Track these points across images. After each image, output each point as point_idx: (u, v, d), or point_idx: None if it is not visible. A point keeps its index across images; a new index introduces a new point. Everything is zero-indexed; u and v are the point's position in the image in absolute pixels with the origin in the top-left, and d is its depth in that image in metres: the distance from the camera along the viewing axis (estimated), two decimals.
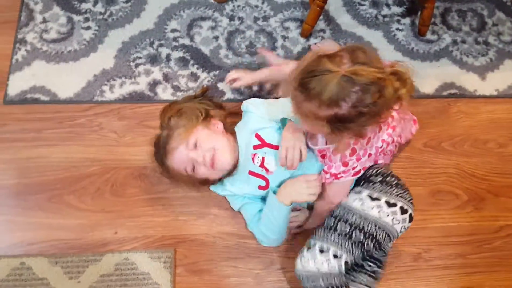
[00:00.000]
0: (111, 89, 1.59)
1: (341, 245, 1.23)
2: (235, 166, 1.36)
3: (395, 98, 1.03)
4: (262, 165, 1.35)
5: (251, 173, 1.36)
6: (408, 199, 1.29)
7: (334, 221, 1.25)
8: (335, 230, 1.24)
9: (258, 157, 1.35)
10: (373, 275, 1.32)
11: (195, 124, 1.33)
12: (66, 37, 1.67)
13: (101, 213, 1.43)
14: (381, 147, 1.31)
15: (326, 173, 1.30)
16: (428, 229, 1.48)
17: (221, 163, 1.32)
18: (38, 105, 1.56)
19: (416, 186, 1.53)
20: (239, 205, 1.42)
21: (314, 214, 1.39)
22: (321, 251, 1.23)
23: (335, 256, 1.22)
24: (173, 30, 1.70)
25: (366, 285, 1.30)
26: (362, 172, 1.30)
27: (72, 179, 1.47)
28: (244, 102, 1.45)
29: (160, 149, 1.35)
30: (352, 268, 1.31)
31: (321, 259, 1.22)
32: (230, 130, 1.40)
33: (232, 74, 1.52)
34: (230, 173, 1.37)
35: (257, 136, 1.36)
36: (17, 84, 1.58)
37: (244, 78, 1.51)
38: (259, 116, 1.39)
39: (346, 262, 1.23)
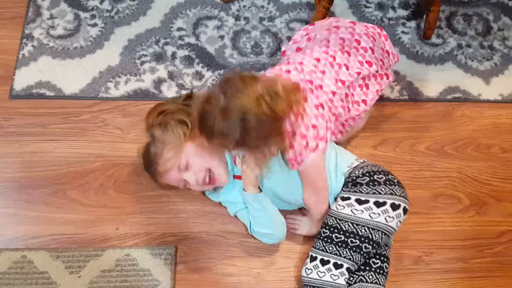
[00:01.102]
0: (116, 86, 1.60)
1: (340, 255, 1.24)
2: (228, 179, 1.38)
3: (274, 114, 1.09)
4: None
5: (236, 177, 1.37)
6: (399, 193, 1.29)
7: (329, 232, 1.27)
8: (332, 240, 1.26)
9: (239, 156, 1.32)
10: (380, 271, 1.32)
11: (182, 143, 1.30)
12: (72, 34, 1.68)
13: (103, 208, 1.44)
14: (323, 107, 1.25)
15: (291, 163, 1.25)
16: (429, 232, 1.48)
17: (219, 182, 1.34)
18: (44, 100, 1.57)
19: (418, 189, 1.53)
20: (233, 212, 1.43)
21: (311, 217, 1.39)
22: (322, 262, 1.25)
23: (336, 265, 1.24)
24: (179, 29, 1.71)
25: (376, 283, 1.30)
26: (321, 142, 1.23)
27: (76, 174, 1.48)
28: None
29: (151, 167, 1.34)
30: (358, 269, 1.31)
31: (323, 270, 1.25)
32: None
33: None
34: None
35: None
36: (23, 79, 1.59)
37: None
38: None
39: (348, 268, 1.25)
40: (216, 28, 1.72)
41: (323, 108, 1.25)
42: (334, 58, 1.31)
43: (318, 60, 1.30)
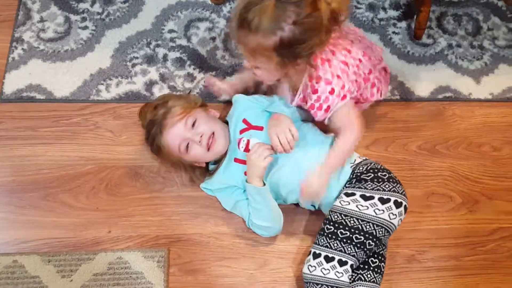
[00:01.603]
0: (107, 88, 1.60)
1: (345, 251, 1.24)
2: (224, 154, 1.39)
3: (330, 13, 1.08)
4: (246, 149, 1.36)
5: (236, 160, 1.37)
6: (401, 191, 1.31)
7: (334, 228, 1.27)
8: (337, 237, 1.25)
9: (244, 141, 1.37)
10: (378, 270, 1.32)
11: (194, 106, 1.38)
12: (63, 37, 1.67)
13: (95, 212, 1.43)
14: (348, 67, 1.26)
15: (316, 116, 1.28)
16: (422, 231, 1.48)
17: (218, 146, 1.36)
18: (34, 103, 1.56)
19: (410, 188, 1.52)
20: (231, 205, 1.43)
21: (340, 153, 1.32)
22: (327, 259, 1.25)
23: (341, 263, 1.24)
24: (170, 31, 1.71)
25: (373, 282, 1.31)
26: (348, 94, 1.25)
27: (67, 177, 1.47)
28: (235, 97, 1.48)
29: (155, 125, 1.34)
30: (357, 267, 1.31)
31: (327, 267, 1.25)
32: (223, 119, 1.46)
33: (209, 79, 1.55)
34: (217, 161, 1.41)
35: (244, 121, 1.39)
36: (13, 82, 1.59)
37: (218, 84, 1.53)
38: (246, 99, 1.43)
39: (351, 265, 1.25)
40: (208, 29, 1.72)
41: (347, 67, 1.26)
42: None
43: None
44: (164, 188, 1.48)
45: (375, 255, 1.34)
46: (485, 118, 1.67)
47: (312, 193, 1.30)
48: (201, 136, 1.34)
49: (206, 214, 1.45)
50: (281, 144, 1.27)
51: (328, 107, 1.26)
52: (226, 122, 1.45)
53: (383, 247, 1.36)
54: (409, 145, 1.60)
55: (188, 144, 1.35)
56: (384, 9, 1.84)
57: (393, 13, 1.83)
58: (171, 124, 1.33)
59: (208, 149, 1.35)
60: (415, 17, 1.78)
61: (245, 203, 1.39)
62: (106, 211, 1.44)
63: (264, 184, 1.32)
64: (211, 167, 1.45)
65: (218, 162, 1.42)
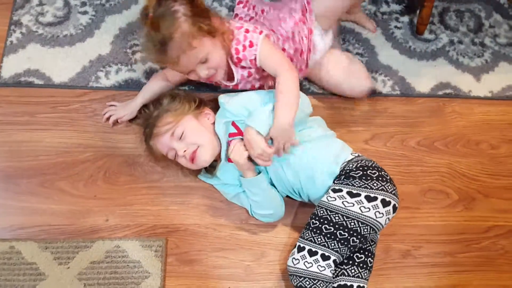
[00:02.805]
0: (107, 75, 1.58)
1: (328, 246, 1.25)
2: (216, 158, 1.40)
3: None
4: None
5: (230, 160, 1.37)
6: (391, 190, 1.30)
7: (319, 223, 1.27)
8: (321, 232, 1.26)
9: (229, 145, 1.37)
10: (364, 265, 1.33)
11: (186, 112, 1.37)
12: (62, 21, 1.65)
13: (93, 200, 1.43)
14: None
15: (246, 58, 1.34)
16: (418, 227, 1.49)
17: (200, 161, 1.36)
18: (32, 88, 1.54)
19: (408, 184, 1.54)
20: (231, 196, 1.44)
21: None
22: (310, 253, 1.26)
23: (323, 257, 1.25)
24: None
25: (358, 277, 1.31)
26: (263, 29, 1.37)
27: (65, 164, 1.46)
28: (220, 96, 1.43)
29: (148, 127, 1.38)
30: (341, 262, 1.32)
31: (310, 260, 1.25)
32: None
33: (107, 113, 1.50)
34: (212, 164, 1.41)
35: (234, 124, 1.38)
36: (11, 66, 1.56)
37: (119, 112, 1.49)
38: (234, 108, 1.39)
39: (334, 260, 1.26)
40: None
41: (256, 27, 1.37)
42: None
43: None
44: (162, 178, 1.47)
45: (361, 251, 1.34)
46: (484, 116, 1.67)
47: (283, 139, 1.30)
48: (184, 151, 1.34)
49: (205, 204, 1.45)
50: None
51: (251, 42, 1.32)
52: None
53: (371, 243, 1.36)
54: (408, 141, 1.60)
55: (175, 153, 1.36)
56: (386, 2, 1.83)
57: (395, 7, 1.82)
58: (159, 133, 1.35)
59: (193, 162, 1.36)
60: (417, 11, 1.78)
61: (245, 194, 1.40)
62: (104, 200, 1.43)
63: (260, 172, 1.34)
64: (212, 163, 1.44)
65: (215, 161, 1.42)
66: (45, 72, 1.56)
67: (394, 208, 1.30)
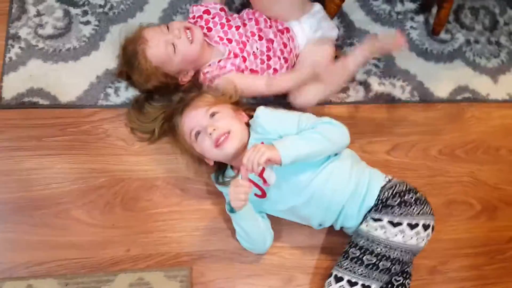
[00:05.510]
0: (116, 92, 1.49)
1: (369, 276, 1.22)
2: (235, 155, 1.30)
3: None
4: (261, 175, 1.29)
5: (249, 180, 1.30)
6: (429, 212, 1.29)
7: (359, 253, 1.24)
8: (362, 262, 1.23)
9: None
10: (401, 287, 1.31)
11: (227, 101, 1.34)
12: (63, 33, 1.53)
13: (111, 229, 1.36)
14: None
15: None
16: (443, 241, 1.47)
17: (227, 146, 1.26)
18: (38, 110, 1.44)
19: (431, 196, 1.48)
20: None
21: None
22: (350, 283, 1.23)
23: (364, 287, 1.22)
24: None
25: None
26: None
27: (79, 192, 1.38)
28: (258, 111, 1.33)
29: (182, 102, 1.34)
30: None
31: None
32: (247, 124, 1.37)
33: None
34: (226, 174, 1.36)
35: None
36: (13, 86, 1.45)
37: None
38: (269, 120, 1.31)
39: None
40: None
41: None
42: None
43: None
44: (182, 201, 1.41)
45: (399, 273, 1.32)
46: (502, 120, 1.65)
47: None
48: (214, 130, 1.25)
49: (228, 228, 1.40)
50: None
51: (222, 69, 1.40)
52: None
53: (408, 265, 1.34)
54: (429, 150, 1.57)
55: (199, 132, 1.28)
56: (401, 1, 1.76)
57: (410, 6, 1.76)
58: (194, 107, 1.30)
59: (217, 146, 1.26)
60: (432, 10, 1.72)
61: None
62: (123, 228, 1.37)
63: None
64: (228, 173, 1.38)
65: (234, 169, 1.35)
66: (50, 91, 1.46)
67: (433, 228, 1.29)
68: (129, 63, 1.38)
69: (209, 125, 1.26)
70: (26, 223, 1.34)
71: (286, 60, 1.47)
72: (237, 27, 1.45)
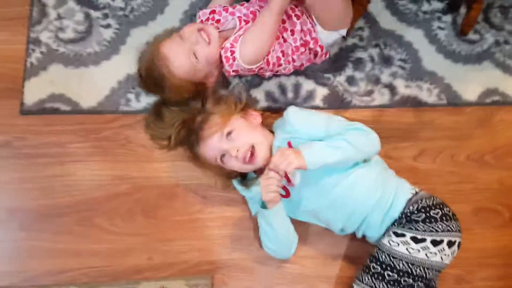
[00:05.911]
0: (137, 97, 1.47)
1: None
2: (258, 172, 1.31)
3: None
4: (286, 175, 1.26)
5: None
6: (455, 229, 1.24)
7: (380, 269, 1.21)
8: (383, 278, 1.20)
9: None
10: None
11: (233, 112, 1.30)
12: (84, 37, 1.52)
13: (133, 236, 1.36)
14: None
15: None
16: (470, 250, 1.43)
17: (259, 158, 1.26)
18: (59, 115, 1.44)
19: (459, 203, 1.46)
20: (255, 210, 1.36)
21: None
22: None
23: None
24: None
25: None
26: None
27: (101, 199, 1.38)
28: (289, 109, 1.32)
29: (193, 134, 1.29)
30: None
31: None
32: (268, 126, 1.36)
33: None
34: (255, 171, 1.33)
35: (289, 144, 1.28)
36: (34, 91, 1.45)
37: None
38: (300, 119, 1.30)
39: None
40: None
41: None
42: None
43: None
44: (204, 208, 1.40)
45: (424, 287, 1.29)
46: None
47: None
48: (237, 151, 1.24)
49: (250, 237, 1.39)
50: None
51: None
52: (271, 130, 1.35)
53: (434, 280, 1.31)
54: (458, 156, 1.53)
55: (224, 155, 1.26)
56: (428, 0, 1.70)
57: (437, 5, 1.69)
58: (207, 136, 1.27)
59: (247, 163, 1.26)
60: (460, 10, 1.66)
61: None
62: (145, 236, 1.36)
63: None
64: (250, 175, 1.37)
65: (257, 172, 1.33)
66: (71, 97, 1.45)
67: (459, 245, 1.24)
68: (159, 87, 1.33)
69: (230, 149, 1.25)
70: (48, 231, 1.34)
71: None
72: (242, 4, 1.41)
